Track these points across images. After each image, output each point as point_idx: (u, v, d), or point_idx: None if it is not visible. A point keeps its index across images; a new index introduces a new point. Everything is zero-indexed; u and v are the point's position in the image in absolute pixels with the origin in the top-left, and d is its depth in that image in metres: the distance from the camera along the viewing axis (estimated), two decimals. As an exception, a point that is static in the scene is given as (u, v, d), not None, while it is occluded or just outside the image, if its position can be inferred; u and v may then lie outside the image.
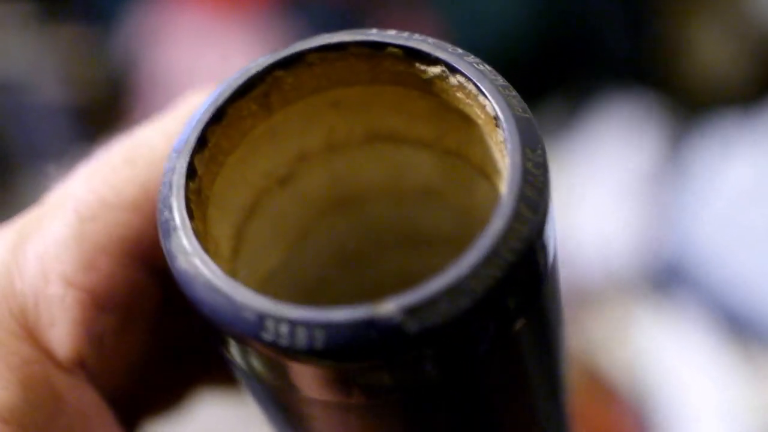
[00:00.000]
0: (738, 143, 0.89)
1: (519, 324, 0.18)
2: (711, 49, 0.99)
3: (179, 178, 0.19)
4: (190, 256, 0.18)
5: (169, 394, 0.26)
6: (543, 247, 0.19)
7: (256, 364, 0.18)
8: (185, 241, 0.18)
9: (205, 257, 0.18)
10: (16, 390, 0.20)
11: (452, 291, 0.17)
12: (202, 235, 0.19)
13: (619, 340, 0.83)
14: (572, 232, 0.87)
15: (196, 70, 1.00)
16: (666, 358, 0.81)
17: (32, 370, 0.20)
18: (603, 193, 0.91)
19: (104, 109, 1.06)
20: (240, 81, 0.20)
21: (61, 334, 0.21)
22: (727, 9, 1.00)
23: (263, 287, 0.21)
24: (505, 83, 0.19)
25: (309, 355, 0.17)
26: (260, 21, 1.00)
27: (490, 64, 0.20)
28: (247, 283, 0.18)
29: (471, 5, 1.00)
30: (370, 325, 0.17)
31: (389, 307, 0.17)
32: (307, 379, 0.18)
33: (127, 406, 0.23)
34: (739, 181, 0.86)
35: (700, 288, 0.83)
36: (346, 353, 0.17)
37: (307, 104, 0.22)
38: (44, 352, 0.21)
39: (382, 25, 0.21)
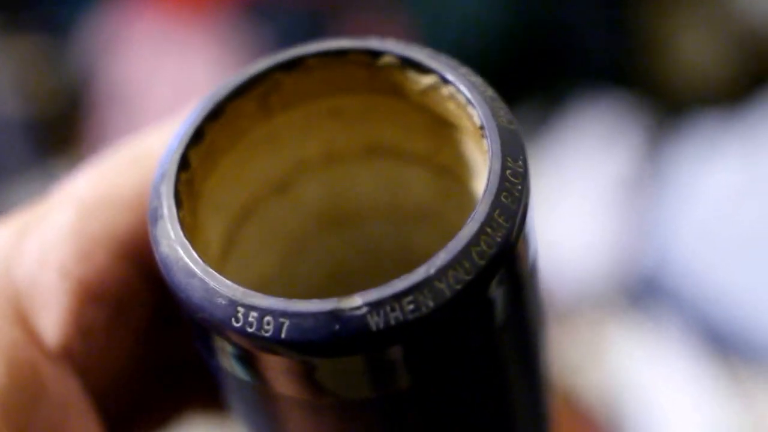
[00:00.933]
0: (721, 147, 0.86)
1: (491, 331, 0.19)
2: (693, 47, 0.97)
3: (171, 167, 0.20)
4: (173, 242, 0.19)
5: (160, 413, 0.26)
6: (519, 257, 0.19)
7: (231, 357, 0.19)
8: (170, 228, 0.19)
9: (186, 244, 0.19)
10: (2, 370, 0.20)
11: (419, 290, 0.17)
12: (189, 227, 0.20)
13: (594, 359, 0.80)
14: (543, 242, 0.84)
15: (156, 81, 0.98)
16: (644, 378, 0.78)
17: (19, 353, 0.21)
18: (577, 200, 0.89)
19: (62, 121, 1.04)
20: (239, 80, 0.21)
21: (51, 320, 0.21)
22: (709, 5, 0.98)
23: None
24: (494, 95, 0.20)
25: (274, 343, 0.17)
26: (222, 30, 0.98)
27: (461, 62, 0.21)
28: None
29: (442, 4, 0.97)
30: (334, 317, 0.17)
31: (355, 301, 0.17)
32: (278, 374, 0.18)
33: (116, 415, 0.24)
34: (722, 188, 0.83)
35: (680, 302, 0.80)
36: (310, 344, 0.17)
37: (307, 110, 0.22)
38: (32, 337, 0.21)
39: (351, 29, 0.19)
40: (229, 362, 0.19)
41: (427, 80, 0.21)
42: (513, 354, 0.21)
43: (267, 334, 0.17)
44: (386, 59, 0.21)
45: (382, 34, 0.21)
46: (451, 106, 0.21)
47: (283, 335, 0.17)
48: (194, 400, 0.26)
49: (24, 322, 0.21)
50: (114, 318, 0.22)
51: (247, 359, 0.19)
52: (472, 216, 0.18)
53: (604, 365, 0.80)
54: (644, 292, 0.82)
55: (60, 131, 1.03)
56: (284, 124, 0.22)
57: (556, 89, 0.97)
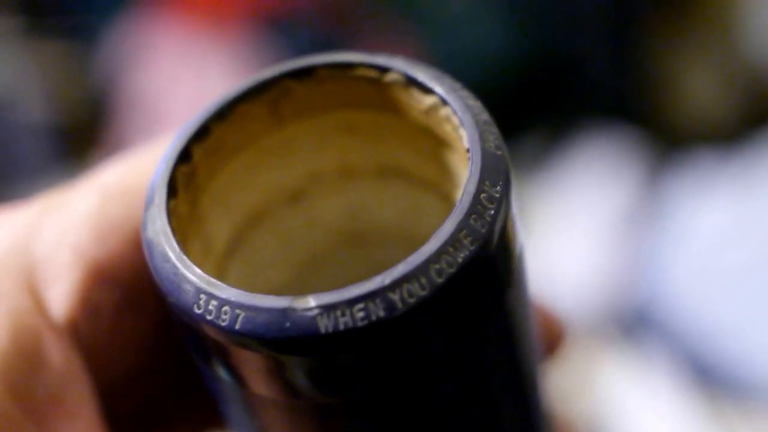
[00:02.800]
0: (717, 185, 0.87)
1: (454, 347, 0.18)
2: (696, 86, 0.97)
3: (171, 159, 0.20)
4: (158, 227, 0.19)
5: (173, 422, 0.26)
6: (490, 278, 0.18)
7: (205, 350, 0.19)
8: (157, 214, 0.20)
9: (168, 231, 0.19)
10: (6, 334, 0.21)
11: (371, 299, 0.17)
12: (185, 217, 0.20)
13: (584, 389, 0.80)
14: (539, 270, 0.85)
15: (175, 92, 1.00)
16: (632, 409, 0.79)
17: (25, 321, 0.21)
18: (575, 230, 0.89)
19: (86, 128, 1.06)
20: (249, 84, 0.21)
21: (59, 294, 0.22)
22: (713, 45, 0.98)
23: None
24: (489, 119, 0.20)
25: (229, 333, 0.18)
26: (241, 43, 0.99)
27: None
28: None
29: (452, 35, 0.98)
30: (286, 315, 0.17)
31: (308, 302, 0.17)
32: (247, 369, 0.19)
33: (123, 411, 0.24)
34: (716, 225, 0.84)
35: (670, 336, 0.81)
36: (261, 338, 0.17)
37: (320, 123, 0.23)
38: (39, 307, 0.22)
39: (364, 50, 0.21)
40: (205, 355, 0.19)
41: (428, 100, 0.21)
42: (483, 370, 0.20)
43: (223, 324, 0.18)
44: (392, 76, 0.21)
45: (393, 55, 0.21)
46: (448, 128, 0.21)
47: (237, 326, 0.18)
48: (211, 417, 0.26)
49: (34, 292, 0.22)
50: (123, 303, 0.22)
51: (218, 352, 0.19)
52: (436, 233, 0.18)
53: (593, 393, 0.80)
54: (635, 324, 0.83)
55: (83, 137, 1.04)
56: (297, 134, 0.23)
57: (560, 121, 0.97)
